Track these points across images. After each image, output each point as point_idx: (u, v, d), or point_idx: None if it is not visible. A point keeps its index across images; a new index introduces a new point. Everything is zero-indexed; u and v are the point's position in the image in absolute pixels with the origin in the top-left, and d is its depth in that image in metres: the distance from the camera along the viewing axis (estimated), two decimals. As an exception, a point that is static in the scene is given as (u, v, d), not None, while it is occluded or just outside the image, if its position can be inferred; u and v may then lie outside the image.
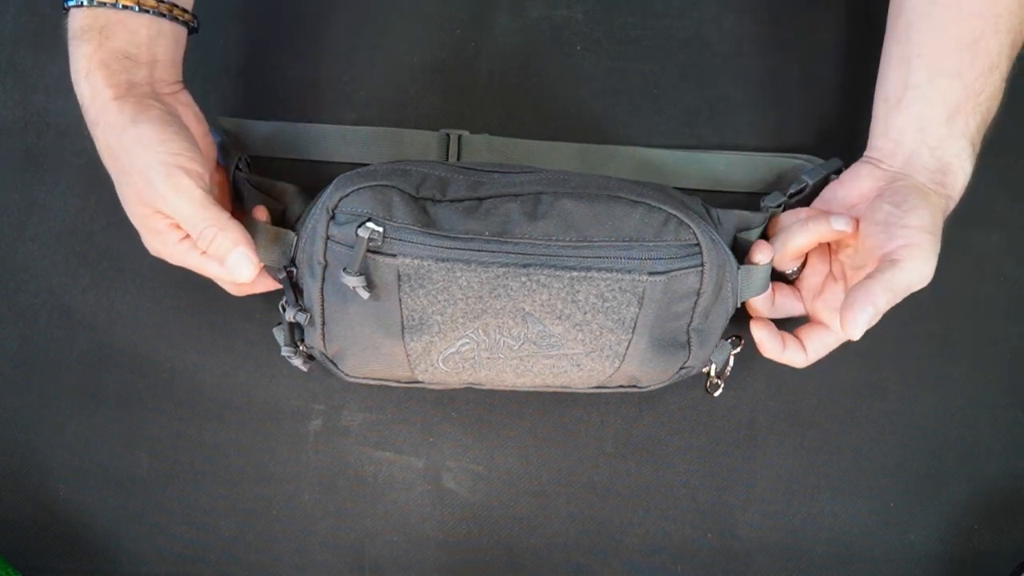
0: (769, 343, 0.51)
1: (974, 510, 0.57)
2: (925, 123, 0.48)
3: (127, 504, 0.55)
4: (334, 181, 0.45)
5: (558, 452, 0.56)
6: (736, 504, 0.56)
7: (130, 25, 0.45)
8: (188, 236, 0.45)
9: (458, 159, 0.55)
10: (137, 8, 0.45)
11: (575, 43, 0.57)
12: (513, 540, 0.56)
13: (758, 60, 0.57)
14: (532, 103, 0.57)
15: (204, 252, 0.46)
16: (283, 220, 0.50)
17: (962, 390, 0.57)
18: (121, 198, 0.46)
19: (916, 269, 0.45)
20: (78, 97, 0.45)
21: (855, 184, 0.50)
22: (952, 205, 0.49)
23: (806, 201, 0.53)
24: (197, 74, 0.55)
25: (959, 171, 0.49)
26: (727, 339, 0.52)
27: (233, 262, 0.45)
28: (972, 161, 0.49)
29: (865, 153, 0.52)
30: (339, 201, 0.43)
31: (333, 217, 0.43)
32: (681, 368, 0.49)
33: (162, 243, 0.46)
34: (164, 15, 0.46)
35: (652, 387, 0.50)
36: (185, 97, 0.48)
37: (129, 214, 0.46)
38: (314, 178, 0.54)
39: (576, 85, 0.57)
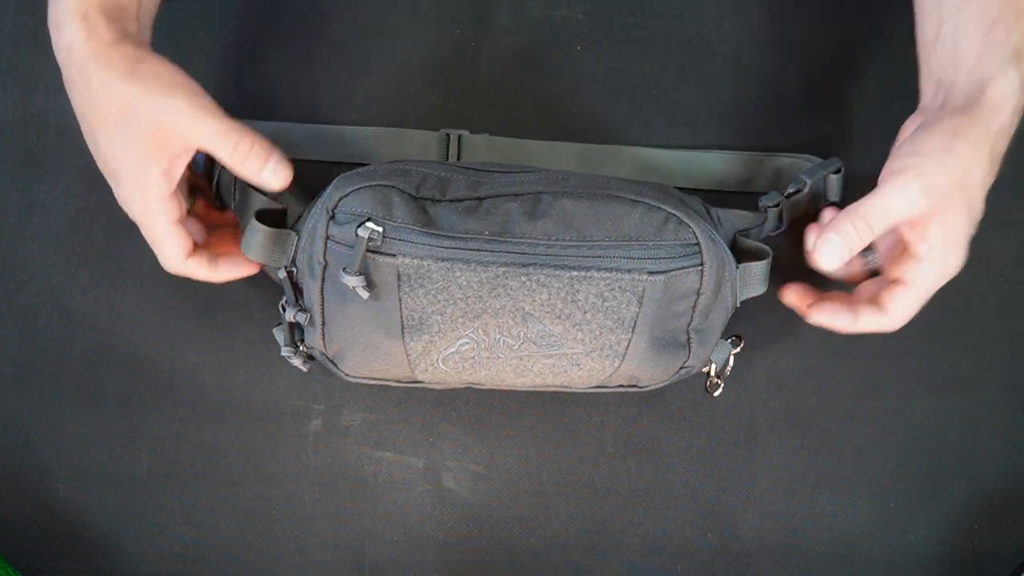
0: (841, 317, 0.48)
1: (974, 510, 0.57)
2: (961, 50, 0.45)
3: (127, 504, 0.55)
4: (334, 181, 0.45)
5: (558, 452, 0.56)
6: (736, 504, 0.56)
7: None
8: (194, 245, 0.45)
9: (458, 159, 0.55)
10: None
11: (575, 43, 0.57)
12: (513, 540, 0.56)
13: (758, 60, 0.57)
14: (532, 103, 0.57)
15: (233, 170, 0.45)
16: (283, 220, 0.50)
17: (962, 390, 0.57)
18: (118, 154, 0.44)
19: (894, 193, 0.43)
20: (62, 40, 0.42)
21: (902, 136, 0.47)
22: (999, 122, 0.44)
23: (813, 199, 0.53)
24: (196, 74, 0.55)
25: (1002, 81, 0.43)
26: (727, 339, 0.52)
27: (269, 173, 0.45)
28: (1019, 70, 0.43)
29: (919, 105, 0.48)
30: (339, 201, 0.43)
31: (333, 217, 0.44)
32: (681, 368, 0.49)
33: (152, 186, 0.44)
34: None
35: (652, 387, 0.50)
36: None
37: (130, 173, 0.44)
38: (314, 178, 0.54)
39: (576, 85, 0.57)
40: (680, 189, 0.50)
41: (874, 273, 0.51)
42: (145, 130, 0.43)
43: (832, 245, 0.44)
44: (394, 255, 0.43)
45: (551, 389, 0.50)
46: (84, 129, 0.45)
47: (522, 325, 0.45)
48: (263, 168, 0.45)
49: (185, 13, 0.56)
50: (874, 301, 0.48)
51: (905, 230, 0.45)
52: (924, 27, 0.47)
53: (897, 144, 0.47)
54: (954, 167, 0.43)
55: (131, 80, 0.42)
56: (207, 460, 0.55)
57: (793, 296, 0.51)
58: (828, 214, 0.50)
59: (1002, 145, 0.45)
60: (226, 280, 0.49)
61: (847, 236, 0.44)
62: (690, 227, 0.44)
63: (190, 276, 0.48)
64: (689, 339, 0.48)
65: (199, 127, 0.43)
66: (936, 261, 0.45)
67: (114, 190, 0.46)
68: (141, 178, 0.44)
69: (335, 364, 0.48)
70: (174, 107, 0.42)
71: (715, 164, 0.56)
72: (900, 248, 0.47)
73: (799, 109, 0.57)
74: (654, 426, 0.56)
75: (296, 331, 0.49)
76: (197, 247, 0.48)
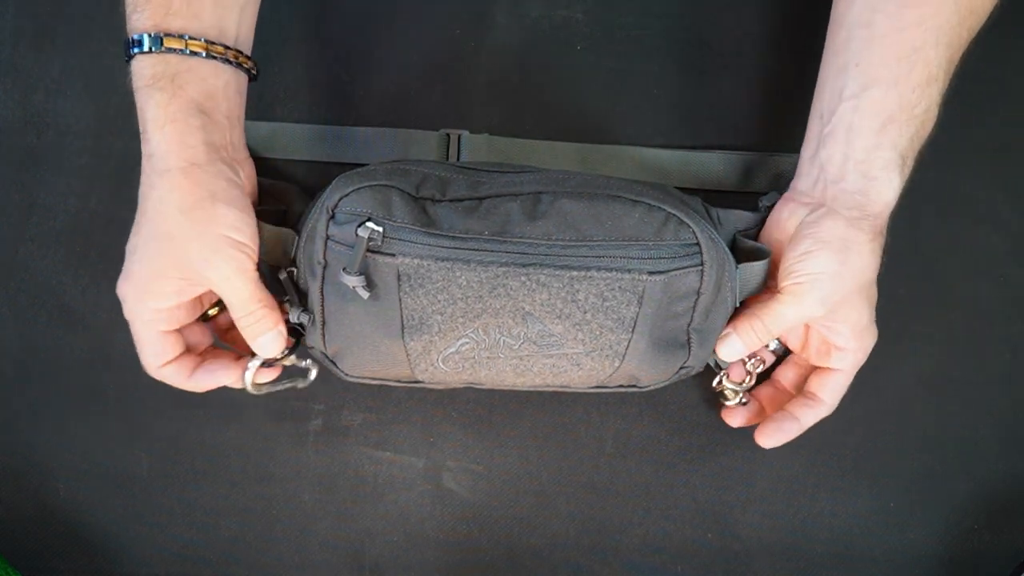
0: (782, 431, 0.52)
1: (974, 510, 0.57)
2: (854, 135, 0.46)
3: (127, 504, 0.55)
4: (334, 181, 0.45)
5: (558, 452, 0.56)
6: (736, 504, 0.56)
7: (200, 72, 0.43)
8: (178, 332, 0.46)
9: (458, 159, 0.55)
10: (205, 54, 0.43)
11: (575, 43, 0.57)
12: (513, 540, 0.56)
13: (758, 60, 0.57)
14: (532, 103, 0.57)
15: (235, 330, 0.47)
16: (284, 220, 0.50)
17: (962, 390, 0.57)
18: (143, 259, 0.44)
19: (793, 305, 0.47)
20: (149, 146, 0.43)
21: (781, 229, 0.50)
22: (880, 223, 0.47)
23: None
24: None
25: (885, 186, 0.46)
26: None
27: (266, 340, 0.46)
28: (902, 176, 0.47)
29: (791, 184, 0.51)
30: (339, 201, 0.43)
31: (333, 217, 0.43)
32: (681, 368, 0.49)
33: (151, 298, 0.45)
34: (230, 62, 0.44)
35: (652, 387, 0.50)
36: (249, 168, 0.47)
37: (141, 279, 0.44)
38: (314, 178, 0.54)
39: (576, 85, 0.57)
40: (680, 189, 0.50)
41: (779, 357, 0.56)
42: (175, 260, 0.43)
43: (731, 343, 0.49)
44: (394, 255, 0.43)
45: (551, 389, 0.50)
46: (137, 216, 0.45)
47: (522, 325, 0.45)
48: (260, 336, 0.46)
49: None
50: (806, 395, 0.52)
51: (815, 326, 0.50)
52: (824, 97, 0.49)
53: (788, 236, 0.49)
54: (848, 279, 0.46)
55: (196, 212, 0.42)
56: (207, 460, 0.55)
57: (739, 422, 0.54)
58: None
59: (882, 240, 0.48)
60: (199, 390, 0.49)
61: (746, 337, 0.48)
62: (690, 227, 0.44)
63: (164, 381, 0.48)
64: (689, 339, 0.48)
65: (227, 289, 0.44)
66: (854, 348, 0.49)
67: (120, 279, 0.45)
68: (149, 289, 0.44)
69: (335, 364, 0.48)
70: (211, 260, 0.43)
71: (715, 164, 0.56)
72: (819, 341, 0.51)
73: (799, 109, 0.57)
74: (654, 426, 0.56)
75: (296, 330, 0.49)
76: (184, 355, 0.48)
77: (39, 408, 0.55)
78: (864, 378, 0.56)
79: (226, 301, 0.45)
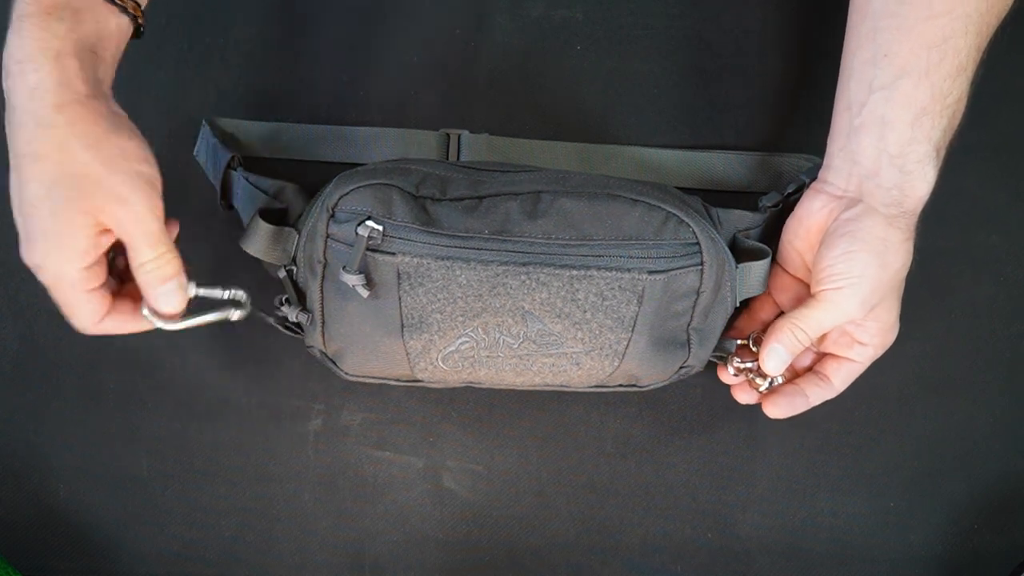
0: (792, 405, 0.51)
1: (974, 510, 0.57)
2: (888, 129, 0.46)
3: (127, 504, 0.55)
4: (334, 180, 0.45)
5: (558, 452, 0.56)
6: (736, 504, 0.56)
7: (99, 14, 0.42)
8: (96, 267, 0.42)
9: (458, 159, 0.55)
10: None
11: (575, 43, 0.57)
12: (513, 540, 0.56)
13: (758, 60, 0.57)
14: (532, 103, 0.57)
15: (136, 275, 0.43)
16: (284, 219, 0.50)
17: (962, 390, 0.57)
18: (46, 215, 0.40)
19: (832, 309, 0.47)
20: (25, 78, 0.39)
21: (813, 220, 0.49)
22: (913, 220, 0.47)
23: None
24: (197, 74, 0.56)
25: (920, 180, 0.46)
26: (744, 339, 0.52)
27: (167, 289, 0.43)
28: (936, 169, 0.46)
29: (819, 175, 0.50)
30: (339, 199, 0.43)
31: (333, 215, 0.44)
32: (681, 367, 0.49)
33: (75, 256, 0.41)
34: (127, 10, 0.43)
35: (652, 387, 0.50)
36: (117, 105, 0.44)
37: (51, 237, 0.40)
38: (314, 178, 0.54)
39: (576, 85, 0.57)
40: (680, 189, 0.50)
41: None
42: (88, 204, 0.40)
43: (778, 354, 0.49)
44: (394, 253, 0.43)
45: (551, 388, 0.50)
46: (13, 175, 0.40)
47: (522, 324, 0.45)
48: (162, 284, 0.43)
49: (185, 12, 0.56)
50: (818, 375, 0.52)
51: (844, 324, 0.49)
52: (851, 89, 0.47)
53: (820, 230, 0.48)
54: (886, 280, 0.47)
55: (102, 146, 0.40)
56: (207, 460, 0.55)
57: (745, 397, 0.53)
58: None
59: (914, 237, 0.48)
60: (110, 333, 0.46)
61: (790, 346, 0.48)
62: (690, 226, 0.44)
63: (105, 333, 0.45)
64: (689, 339, 0.48)
65: (136, 221, 0.41)
66: (877, 344, 0.50)
67: (23, 245, 0.41)
68: (68, 245, 0.41)
69: (335, 363, 0.49)
70: (123, 195, 0.40)
71: (715, 164, 0.56)
72: (840, 334, 0.51)
73: (800, 109, 0.57)
74: (654, 426, 0.56)
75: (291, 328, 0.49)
76: (112, 304, 0.44)
77: (39, 408, 0.55)
78: (864, 378, 0.56)
79: (132, 243, 0.41)
